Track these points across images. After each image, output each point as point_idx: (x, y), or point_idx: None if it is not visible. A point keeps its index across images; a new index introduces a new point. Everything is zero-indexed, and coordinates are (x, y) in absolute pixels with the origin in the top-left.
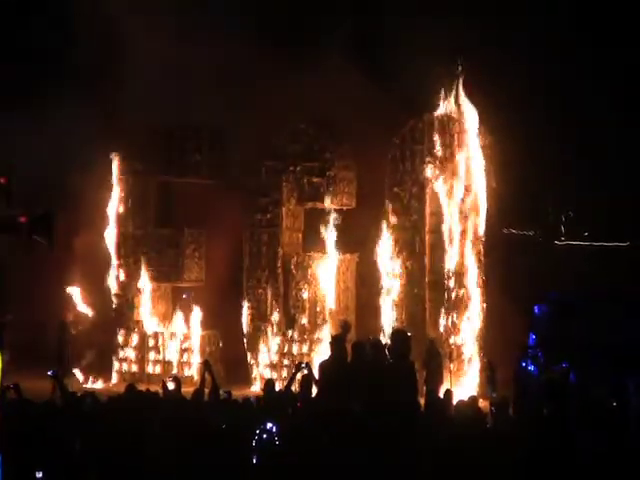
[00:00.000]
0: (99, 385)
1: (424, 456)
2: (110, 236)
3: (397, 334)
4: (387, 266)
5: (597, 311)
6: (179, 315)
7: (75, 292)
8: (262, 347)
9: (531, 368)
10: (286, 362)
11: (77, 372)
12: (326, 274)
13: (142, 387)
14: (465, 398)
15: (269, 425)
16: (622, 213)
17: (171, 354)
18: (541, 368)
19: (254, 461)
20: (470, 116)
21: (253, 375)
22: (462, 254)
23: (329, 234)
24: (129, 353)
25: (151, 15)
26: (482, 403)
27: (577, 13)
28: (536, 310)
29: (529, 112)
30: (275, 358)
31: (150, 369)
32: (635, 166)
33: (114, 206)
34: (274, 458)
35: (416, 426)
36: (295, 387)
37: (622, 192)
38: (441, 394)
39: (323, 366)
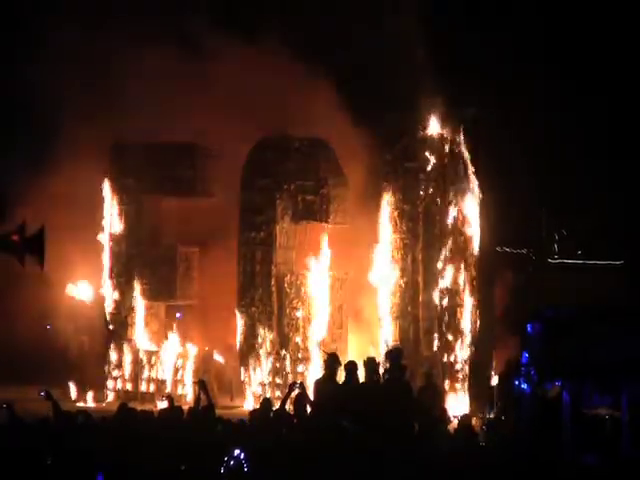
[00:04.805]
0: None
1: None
2: (104, 254)
3: (391, 353)
4: (381, 284)
5: (590, 329)
6: (173, 333)
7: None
8: (255, 365)
9: (524, 386)
10: (279, 381)
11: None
12: (320, 292)
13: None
14: (459, 416)
15: (237, 452)
16: (616, 231)
17: (165, 372)
18: (534, 386)
19: None
20: (462, 134)
21: (246, 393)
22: (456, 272)
23: (323, 252)
24: (123, 371)
25: (146, 32)
26: (474, 421)
27: None
28: (529, 328)
29: (522, 128)
30: (268, 377)
31: (144, 387)
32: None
33: (107, 224)
34: None
35: (409, 444)
36: (289, 406)
37: (616, 211)
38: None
39: (317, 384)
